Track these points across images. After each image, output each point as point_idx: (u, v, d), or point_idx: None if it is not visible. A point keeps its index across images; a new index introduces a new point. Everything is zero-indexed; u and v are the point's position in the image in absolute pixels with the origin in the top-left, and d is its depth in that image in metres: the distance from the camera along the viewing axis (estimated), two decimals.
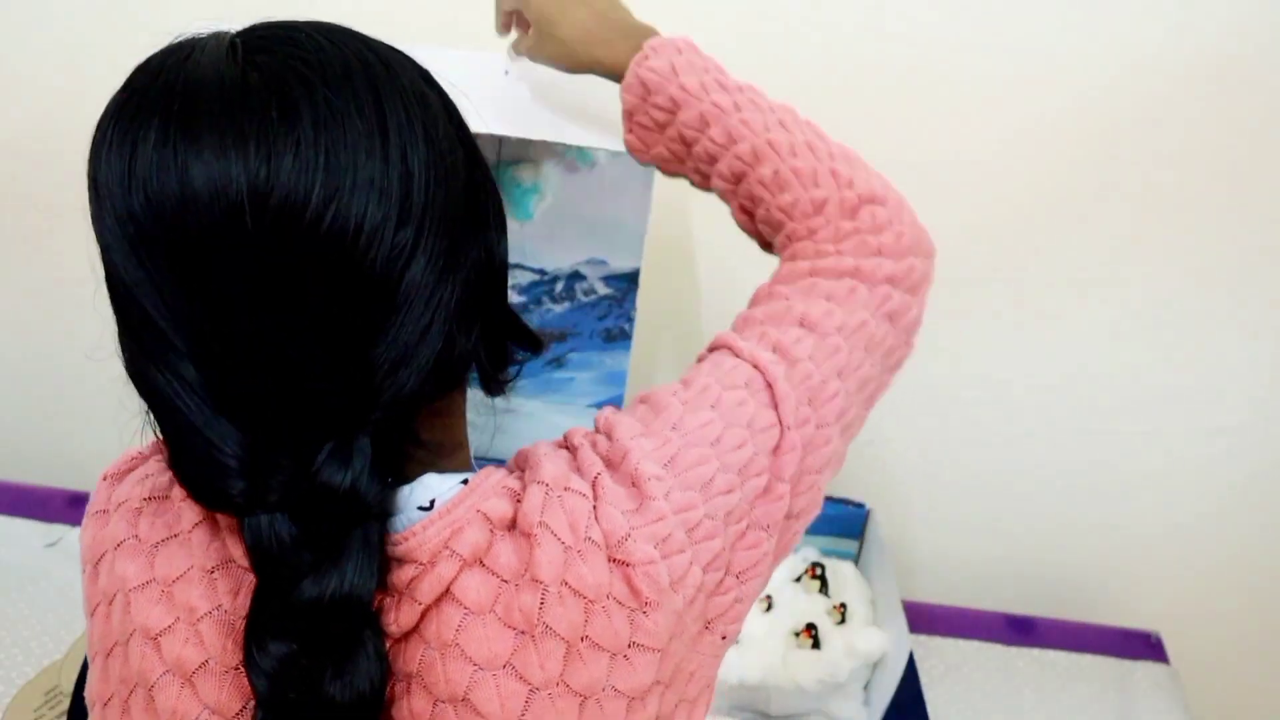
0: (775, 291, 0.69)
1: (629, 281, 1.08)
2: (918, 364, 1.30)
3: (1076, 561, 1.43)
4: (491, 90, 0.97)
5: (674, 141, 0.79)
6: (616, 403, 1.15)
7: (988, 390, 1.32)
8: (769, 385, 0.62)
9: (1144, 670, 1.26)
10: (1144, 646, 1.29)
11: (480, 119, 0.93)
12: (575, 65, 0.83)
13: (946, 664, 1.24)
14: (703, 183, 0.80)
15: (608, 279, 1.09)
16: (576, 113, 0.98)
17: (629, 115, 0.80)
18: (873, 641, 1.08)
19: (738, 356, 0.64)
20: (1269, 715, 1.51)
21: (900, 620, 1.05)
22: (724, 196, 0.79)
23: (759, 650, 1.06)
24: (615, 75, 0.81)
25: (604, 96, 1.01)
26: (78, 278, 1.39)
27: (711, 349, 0.67)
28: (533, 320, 1.11)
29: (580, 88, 1.01)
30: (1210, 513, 1.39)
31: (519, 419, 1.18)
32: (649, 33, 0.81)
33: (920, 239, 0.73)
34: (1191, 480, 1.37)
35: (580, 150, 1.01)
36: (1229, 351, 1.28)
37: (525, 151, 1.03)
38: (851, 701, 1.08)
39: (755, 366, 0.63)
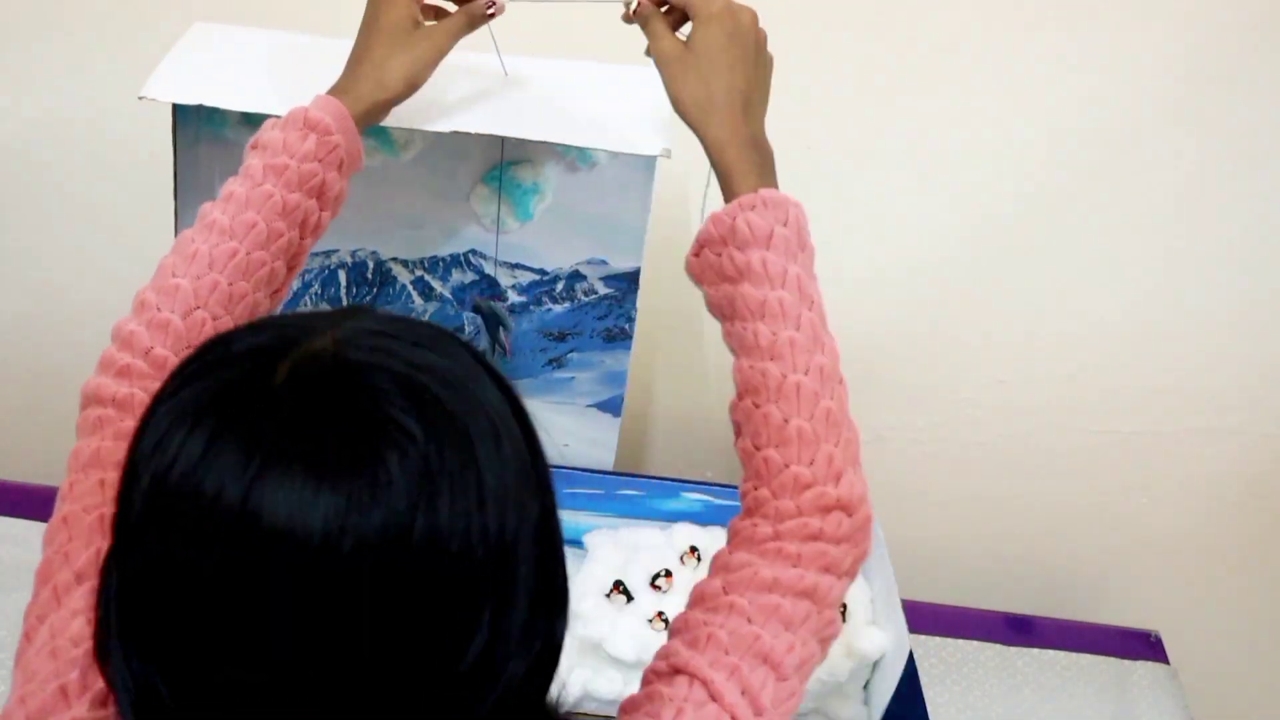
0: (735, 605, 0.67)
1: (629, 281, 1.08)
2: (918, 364, 1.31)
3: (1076, 561, 1.43)
4: (492, 90, 0.97)
5: (725, 300, 0.74)
6: (616, 403, 1.15)
7: (987, 390, 1.32)
8: None
9: (1143, 670, 1.26)
10: (1143, 646, 1.29)
11: (481, 120, 0.93)
12: (682, 110, 0.78)
13: (946, 664, 1.24)
14: (724, 338, 0.76)
15: (608, 279, 1.09)
16: (576, 113, 0.98)
17: (702, 242, 0.75)
18: (873, 641, 1.08)
19: (715, 701, 0.64)
20: (1269, 715, 1.51)
21: (900, 620, 1.05)
22: (733, 371, 0.74)
23: None
24: (707, 148, 0.76)
25: (604, 97, 1.01)
26: (78, 277, 1.39)
27: (675, 669, 0.65)
28: (533, 320, 1.11)
29: (580, 90, 1.01)
30: (1210, 512, 1.39)
31: None
32: (770, 168, 0.76)
33: (866, 556, 0.71)
34: (1191, 480, 1.37)
35: (580, 150, 1.01)
36: (1229, 351, 1.28)
37: (525, 151, 1.03)
38: (851, 701, 1.08)
39: None
